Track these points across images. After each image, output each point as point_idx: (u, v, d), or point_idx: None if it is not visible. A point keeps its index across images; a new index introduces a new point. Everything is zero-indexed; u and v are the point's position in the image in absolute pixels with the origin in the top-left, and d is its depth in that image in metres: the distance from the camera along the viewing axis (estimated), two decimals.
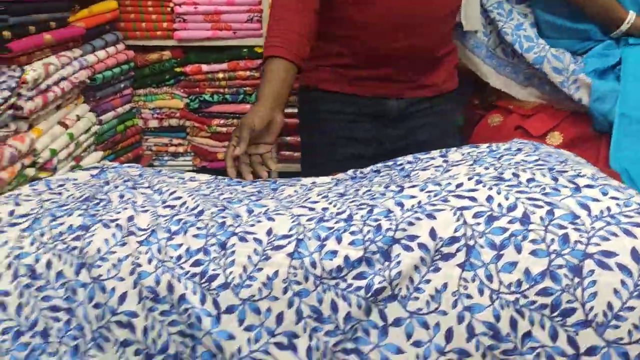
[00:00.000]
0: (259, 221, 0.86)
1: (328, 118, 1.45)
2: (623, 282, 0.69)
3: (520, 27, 1.59)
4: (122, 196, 0.98)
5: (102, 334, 0.83)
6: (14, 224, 0.94)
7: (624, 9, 1.51)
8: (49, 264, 0.87)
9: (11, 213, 0.97)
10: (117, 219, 0.90)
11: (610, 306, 0.68)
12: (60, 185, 1.09)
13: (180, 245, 0.85)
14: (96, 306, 0.84)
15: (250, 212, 0.90)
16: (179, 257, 0.84)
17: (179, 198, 0.96)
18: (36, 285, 0.86)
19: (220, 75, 2.24)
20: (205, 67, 2.23)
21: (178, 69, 2.25)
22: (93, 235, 0.88)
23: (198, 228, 0.87)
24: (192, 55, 2.24)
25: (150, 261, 0.84)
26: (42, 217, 0.94)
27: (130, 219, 0.90)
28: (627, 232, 0.72)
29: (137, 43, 2.18)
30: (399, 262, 0.76)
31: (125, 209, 0.93)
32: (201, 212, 0.91)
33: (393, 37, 1.33)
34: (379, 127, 1.44)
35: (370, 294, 0.76)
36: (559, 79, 1.53)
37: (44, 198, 1.02)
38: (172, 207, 0.94)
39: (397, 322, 0.75)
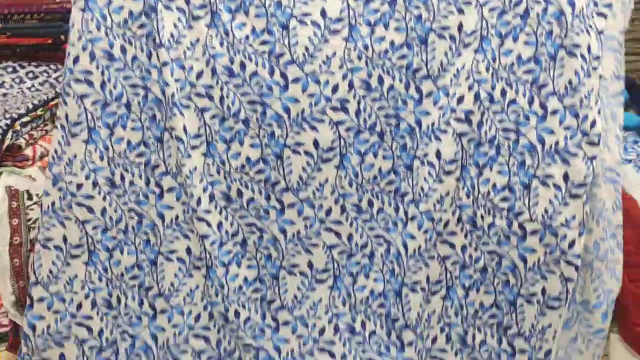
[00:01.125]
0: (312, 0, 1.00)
1: None
2: (582, 67, 1.01)
3: None
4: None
5: (183, 104, 0.98)
6: None
7: None
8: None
9: None
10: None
11: (570, 82, 1.00)
12: None
13: (244, 24, 0.97)
14: (176, 81, 0.97)
15: None
16: (247, 37, 0.97)
17: None
18: (116, 66, 0.96)
19: None
20: None
21: None
22: (163, 20, 0.95)
23: (257, 8, 0.98)
24: None
25: (221, 44, 0.96)
26: None
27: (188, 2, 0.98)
28: (590, 28, 0.99)
29: None
30: (434, 49, 0.99)
31: None
32: None
33: None
34: None
35: (409, 71, 1.00)
36: None
37: None
38: None
39: (429, 94, 1.01)
